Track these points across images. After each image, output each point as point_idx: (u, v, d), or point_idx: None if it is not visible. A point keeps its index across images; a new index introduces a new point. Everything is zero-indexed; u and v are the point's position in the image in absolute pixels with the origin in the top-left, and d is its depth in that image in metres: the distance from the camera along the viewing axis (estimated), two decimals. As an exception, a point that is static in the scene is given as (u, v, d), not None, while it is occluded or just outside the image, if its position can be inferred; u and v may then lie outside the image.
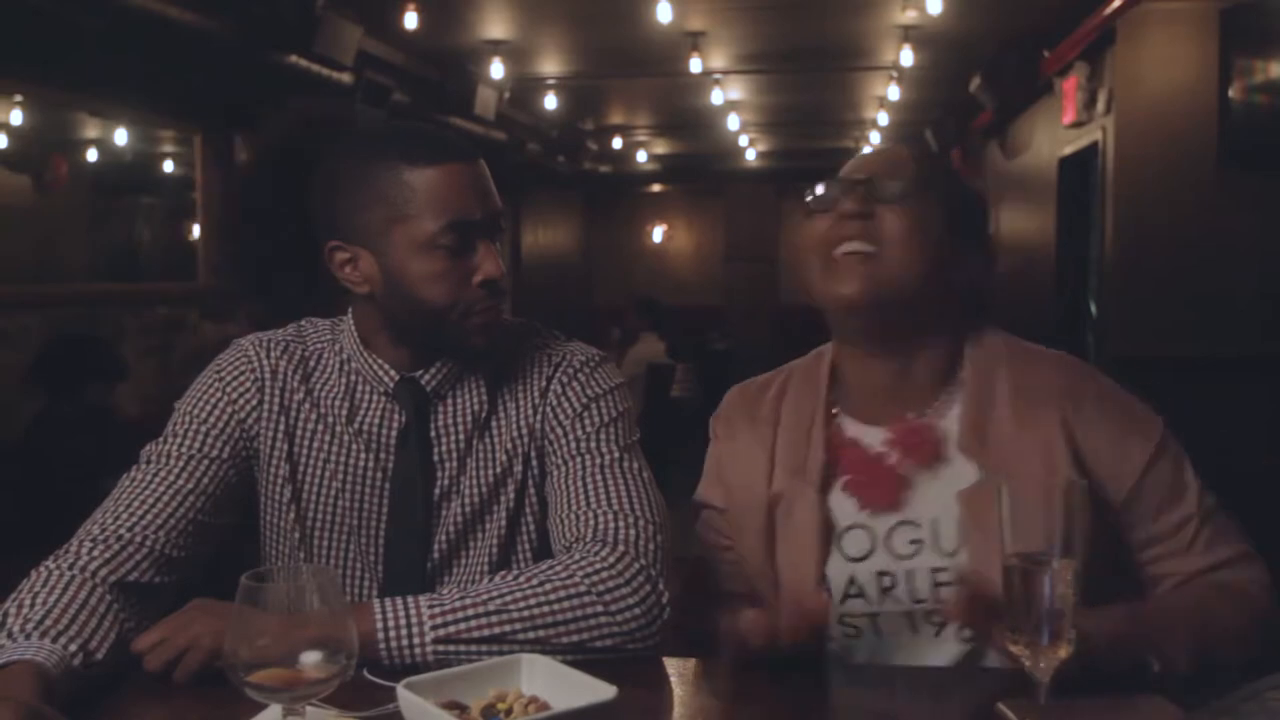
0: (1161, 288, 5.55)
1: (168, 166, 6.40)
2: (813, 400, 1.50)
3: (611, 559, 1.34)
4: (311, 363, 1.54)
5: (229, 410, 1.50)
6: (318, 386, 1.53)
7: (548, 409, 1.51)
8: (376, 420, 1.51)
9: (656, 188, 14.38)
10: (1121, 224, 5.70)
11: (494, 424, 1.52)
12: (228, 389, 1.51)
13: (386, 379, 1.50)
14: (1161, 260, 5.56)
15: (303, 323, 1.60)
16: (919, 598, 1.39)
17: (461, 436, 1.51)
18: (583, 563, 1.33)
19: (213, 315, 5.98)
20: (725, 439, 1.57)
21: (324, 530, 1.51)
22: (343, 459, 1.50)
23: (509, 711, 1.11)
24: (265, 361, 1.53)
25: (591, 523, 1.39)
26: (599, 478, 1.44)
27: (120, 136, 5.75)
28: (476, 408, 1.51)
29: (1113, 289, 5.78)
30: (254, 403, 1.51)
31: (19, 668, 1.16)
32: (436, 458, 1.50)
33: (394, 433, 1.51)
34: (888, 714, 1.24)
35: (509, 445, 1.51)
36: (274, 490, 1.52)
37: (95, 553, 1.36)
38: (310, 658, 1.04)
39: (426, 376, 1.50)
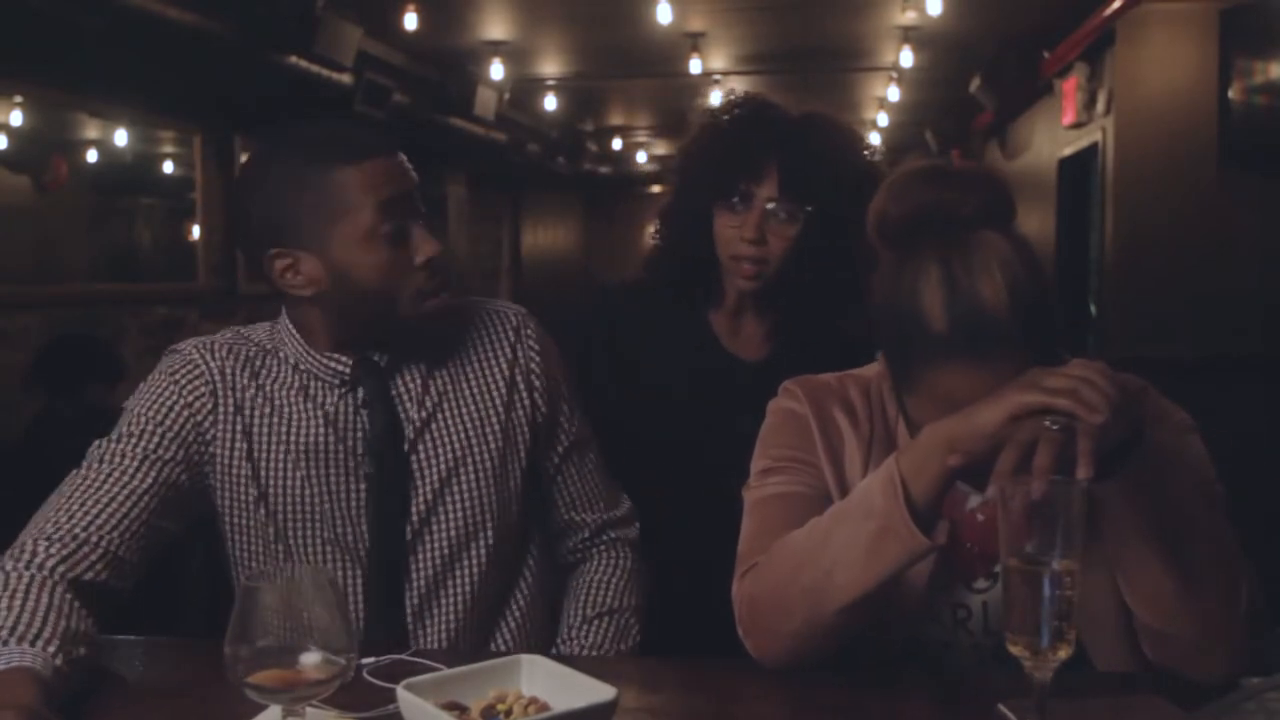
0: (1161, 288, 5.55)
1: (168, 167, 6.40)
2: (890, 412, 1.44)
3: None
4: (258, 362, 1.55)
5: (185, 413, 1.50)
6: (269, 384, 1.54)
7: (531, 356, 1.62)
8: (334, 404, 1.53)
9: (656, 188, 14.37)
10: (1121, 224, 5.70)
11: (461, 379, 1.59)
12: (183, 391, 1.51)
13: (340, 368, 1.53)
14: (1161, 260, 5.56)
15: (238, 328, 1.60)
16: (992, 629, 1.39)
17: (424, 396, 1.56)
18: None
19: (212, 315, 5.98)
20: (818, 415, 1.45)
21: (297, 520, 1.52)
22: (306, 445, 1.51)
23: (509, 712, 1.11)
24: (212, 363, 1.53)
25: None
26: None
27: (120, 137, 5.75)
28: (428, 371, 1.57)
29: (1113, 289, 5.78)
30: (208, 406, 1.51)
31: (16, 675, 1.15)
32: (402, 414, 1.54)
33: (353, 410, 1.53)
34: (888, 714, 1.24)
35: (482, 395, 1.59)
36: (237, 490, 1.52)
37: (51, 550, 1.35)
38: (310, 658, 1.04)
39: (377, 357, 1.55)
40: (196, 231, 6.27)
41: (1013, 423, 1.12)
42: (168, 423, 1.49)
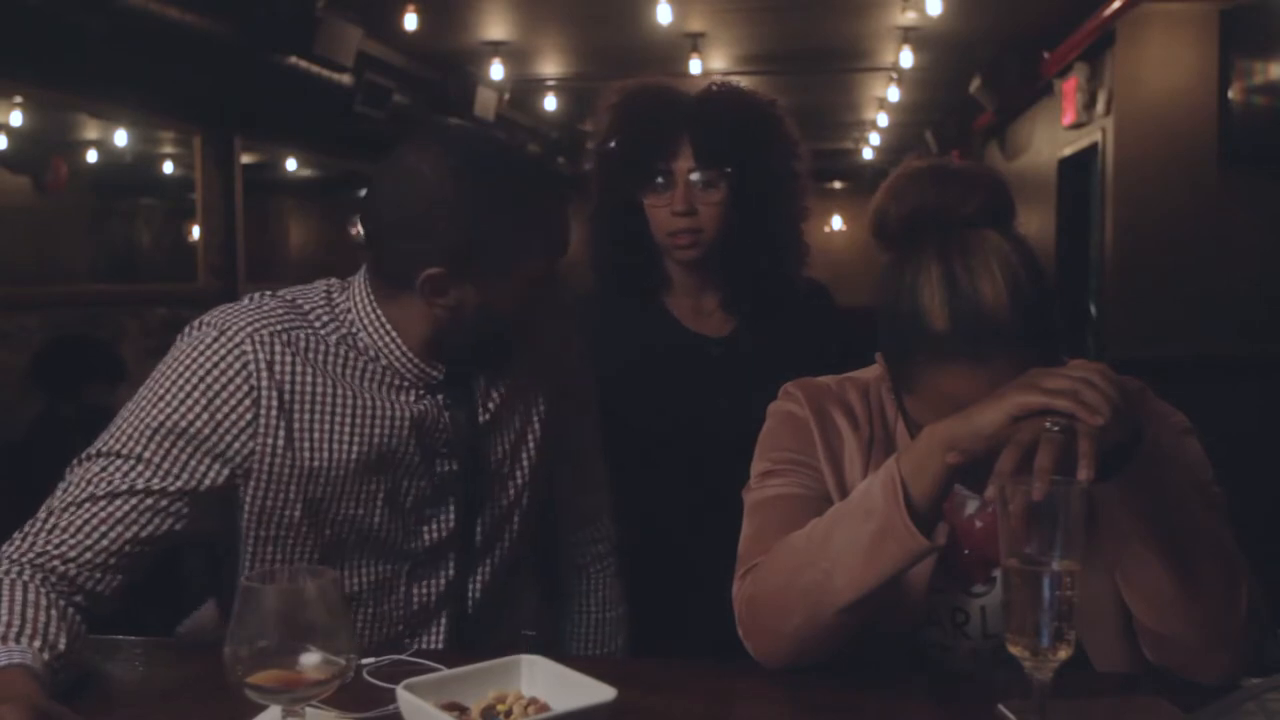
0: (1161, 288, 5.55)
1: (168, 167, 6.40)
2: (890, 414, 1.44)
3: None
4: (322, 349, 1.40)
5: (209, 434, 1.35)
6: (337, 374, 1.40)
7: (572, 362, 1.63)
8: (417, 403, 1.44)
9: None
10: (1121, 225, 5.70)
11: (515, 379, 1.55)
12: (212, 406, 1.34)
13: (435, 374, 1.45)
14: (1161, 260, 5.56)
15: (289, 297, 1.44)
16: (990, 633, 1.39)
17: (489, 394, 1.51)
18: None
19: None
20: (817, 417, 1.44)
21: (347, 522, 1.42)
22: (383, 440, 1.40)
23: (509, 713, 1.11)
24: (262, 356, 1.36)
25: None
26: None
27: (120, 137, 5.75)
28: (487, 387, 1.52)
29: (1113, 289, 5.78)
30: (247, 418, 1.35)
31: (14, 673, 1.15)
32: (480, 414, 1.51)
33: (438, 410, 1.45)
34: (887, 714, 1.24)
35: (530, 393, 1.56)
36: (278, 498, 1.39)
37: (28, 557, 1.30)
38: (310, 658, 1.04)
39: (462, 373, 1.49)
40: (196, 232, 6.27)
41: (1013, 423, 1.12)
42: (192, 446, 1.35)
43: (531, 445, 1.56)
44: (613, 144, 1.94)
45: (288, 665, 1.03)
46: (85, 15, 4.49)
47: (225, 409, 1.35)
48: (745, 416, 1.50)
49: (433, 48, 6.91)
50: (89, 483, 1.34)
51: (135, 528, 1.33)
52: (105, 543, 1.32)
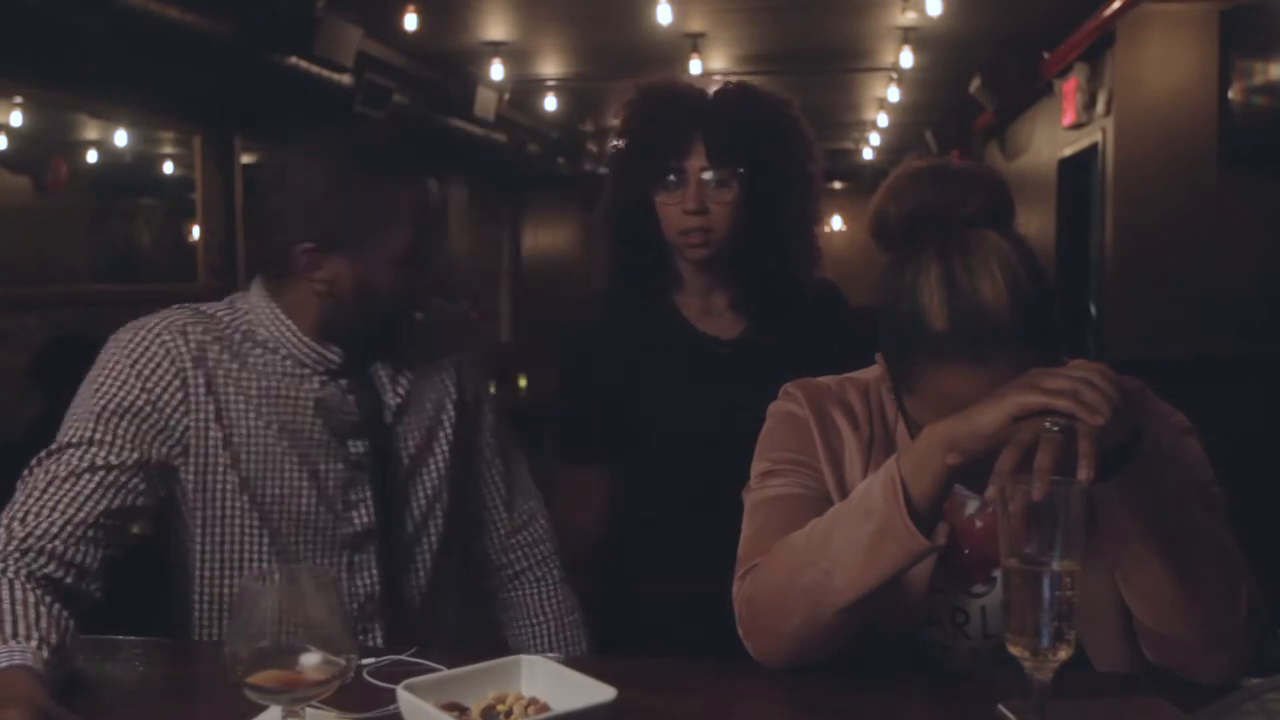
0: (1161, 288, 5.55)
1: (168, 167, 6.40)
2: (890, 414, 1.44)
3: None
4: (235, 342, 1.53)
5: (148, 411, 1.46)
6: (250, 365, 1.53)
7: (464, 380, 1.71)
8: (321, 388, 1.56)
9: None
10: (1121, 225, 5.70)
11: (420, 375, 1.65)
12: (147, 385, 1.46)
13: (333, 356, 1.56)
14: (1161, 260, 5.56)
15: (193, 307, 1.57)
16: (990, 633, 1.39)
17: (395, 385, 1.62)
18: None
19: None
20: (817, 417, 1.44)
21: (282, 505, 1.52)
22: (294, 428, 1.52)
23: (509, 713, 1.11)
24: (184, 347, 1.49)
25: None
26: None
27: (120, 138, 5.75)
28: (394, 366, 1.63)
29: (1113, 289, 5.78)
30: (178, 397, 1.47)
31: (16, 674, 1.14)
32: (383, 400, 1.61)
33: (340, 394, 1.56)
34: (887, 714, 1.24)
35: (436, 392, 1.66)
36: (215, 478, 1.50)
37: (8, 549, 1.32)
38: (310, 659, 1.04)
39: (359, 346, 1.59)
40: (196, 232, 6.26)
41: (1013, 423, 1.12)
42: (127, 420, 1.44)
43: (444, 441, 1.66)
44: (626, 141, 1.95)
45: (288, 665, 1.03)
46: (85, 15, 4.49)
47: (159, 388, 1.47)
48: (750, 417, 1.50)
49: (433, 48, 6.92)
50: (49, 472, 1.41)
51: (105, 501, 1.40)
52: (81, 515, 1.37)
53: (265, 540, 1.52)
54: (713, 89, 1.95)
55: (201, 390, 1.49)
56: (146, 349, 1.48)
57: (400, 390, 1.62)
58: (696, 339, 1.94)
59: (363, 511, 1.57)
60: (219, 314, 1.56)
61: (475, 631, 1.79)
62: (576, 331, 2.05)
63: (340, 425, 1.56)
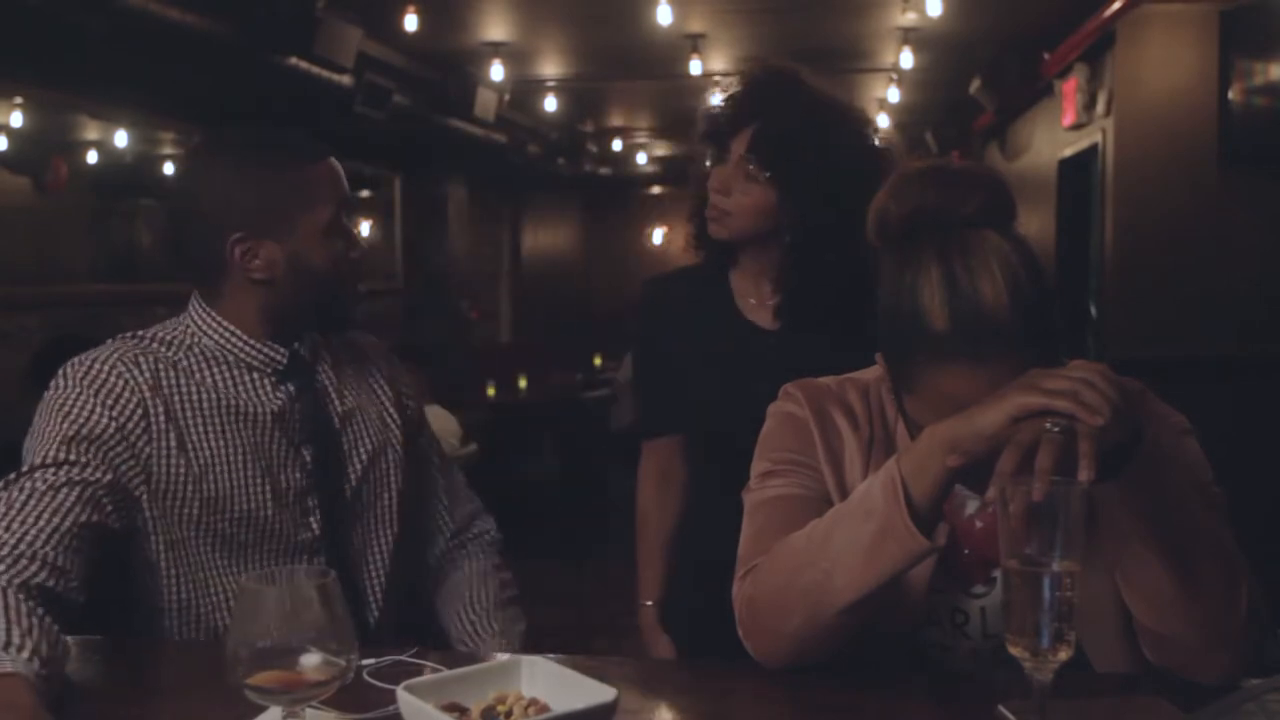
0: (1161, 289, 5.55)
1: (168, 168, 6.40)
2: (890, 415, 1.44)
3: None
4: (185, 364, 1.56)
5: (115, 435, 1.47)
6: (205, 382, 1.56)
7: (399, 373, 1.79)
8: (273, 395, 1.59)
9: (656, 190, 14.36)
10: (1121, 225, 5.70)
11: (362, 381, 1.72)
12: (111, 411, 1.48)
13: (278, 356, 1.60)
14: (1161, 260, 5.56)
15: (134, 336, 1.58)
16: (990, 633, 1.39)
17: (342, 390, 1.68)
18: None
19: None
20: (817, 418, 1.44)
21: (246, 522, 1.54)
22: (253, 439, 1.55)
23: (509, 713, 1.11)
24: (139, 376, 1.51)
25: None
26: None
27: (120, 138, 5.75)
28: (337, 369, 1.69)
29: (1113, 289, 5.78)
30: (141, 425, 1.49)
31: (12, 682, 1.14)
32: (329, 405, 1.66)
33: (290, 400, 1.60)
34: (888, 714, 1.24)
35: (378, 397, 1.73)
36: (178, 503, 1.50)
37: None
38: (310, 659, 1.04)
39: (302, 349, 1.64)
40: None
41: (1013, 424, 1.12)
42: (100, 441, 1.45)
43: (393, 449, 1.71)
44: (709, 113, 1.98)
45: (288, 666, 1.03)
46: (85, 15, 4.48)
47: (123, 416, 1.48)
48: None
49: (433, 48, 6.91)
50: (24, 489, 1.39)
51: (84, 514, 1.40)
52: (66, 524, 1.37)
53: (228, 557, 1.53)
54: (792, 83, 1.92)
55: (162, 418, 1.51)
56: (106, 379, 1.50)
57: (348, 396, 1.67)
58: (740, 327, 1.98)
59: (318, 517, 1.60)
60: (161, 335, 1.58)
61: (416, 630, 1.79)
62: (649, 306, 2.10)
63: (293, 434, 1.60)
